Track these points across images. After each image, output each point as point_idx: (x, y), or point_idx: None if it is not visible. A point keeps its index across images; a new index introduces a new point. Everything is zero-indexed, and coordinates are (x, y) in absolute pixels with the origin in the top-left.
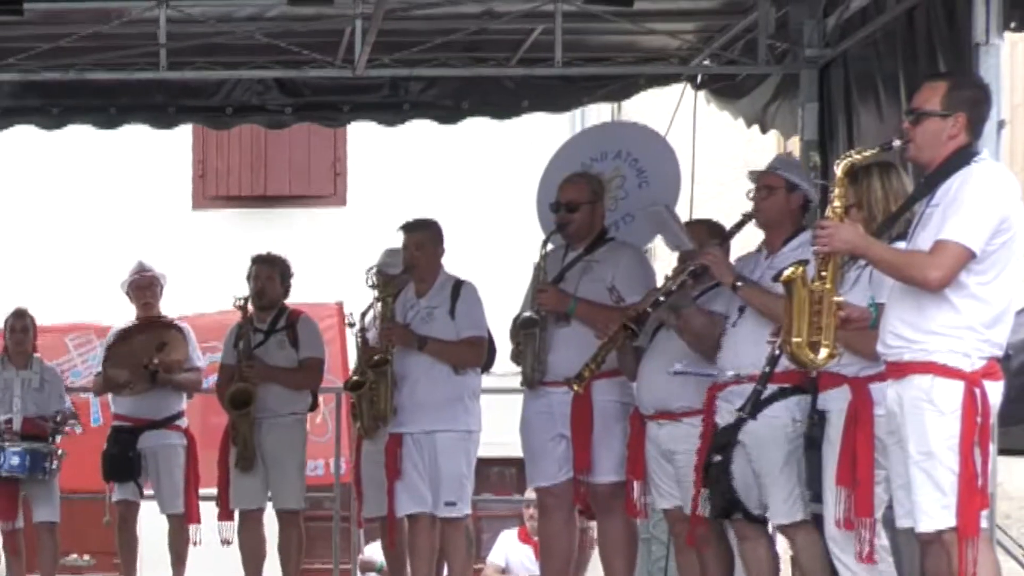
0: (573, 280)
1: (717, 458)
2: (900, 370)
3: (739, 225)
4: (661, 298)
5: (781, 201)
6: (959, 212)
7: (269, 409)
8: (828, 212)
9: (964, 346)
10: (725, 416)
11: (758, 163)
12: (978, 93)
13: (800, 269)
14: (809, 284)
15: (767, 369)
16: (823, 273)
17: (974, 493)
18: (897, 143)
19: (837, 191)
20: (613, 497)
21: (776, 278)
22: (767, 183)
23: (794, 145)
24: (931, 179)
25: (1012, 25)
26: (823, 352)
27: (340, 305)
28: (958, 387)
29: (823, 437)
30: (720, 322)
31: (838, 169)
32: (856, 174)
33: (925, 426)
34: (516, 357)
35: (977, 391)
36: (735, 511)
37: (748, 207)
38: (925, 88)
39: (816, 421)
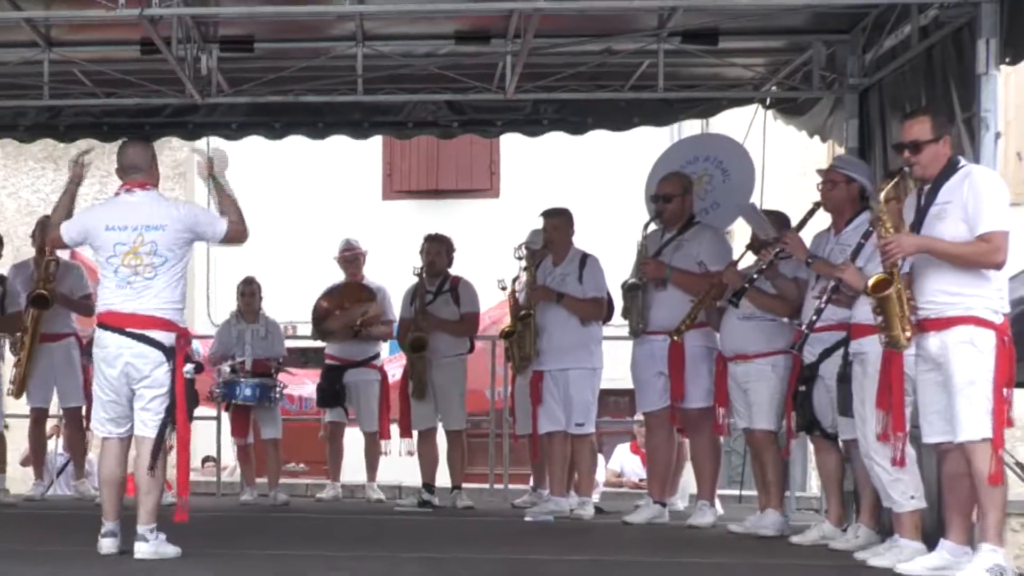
0: (668, 255)
1: (802, 388)
2: (945, 323)
3: (810, 213)
4: (755, 275)
5: (843, 191)
6: (986, 206)
7: (438, 351)
8: (881, 231)
9: (994, 304)
10: (808, 357)
11: (814, 166)
12: (948, 116)
13: (896, 285)
14: (902, 294)
15: (814, 318)
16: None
17: (1003, 414)
18: (907, 169)
19: (883, 217)
20: (701, 419)
21: (866, 291)
22: (830, 178)
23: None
24: (934, 186)
25: (1007, 60)
26: (908, 333)
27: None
28: (991, 335)
29: (853, 375)
30: (803, 285)
31: (880, 197)
32: (893, 178)
33: (968, 362)
34: (624, 314)
35: (1005, 339)
36: (814, 429)
37: (806, 201)
38: (915, 124)
39: (849, 362)
